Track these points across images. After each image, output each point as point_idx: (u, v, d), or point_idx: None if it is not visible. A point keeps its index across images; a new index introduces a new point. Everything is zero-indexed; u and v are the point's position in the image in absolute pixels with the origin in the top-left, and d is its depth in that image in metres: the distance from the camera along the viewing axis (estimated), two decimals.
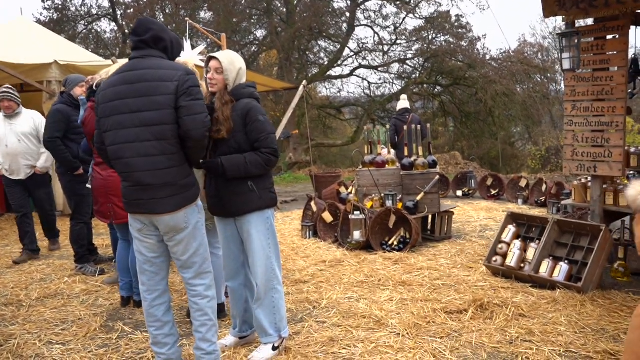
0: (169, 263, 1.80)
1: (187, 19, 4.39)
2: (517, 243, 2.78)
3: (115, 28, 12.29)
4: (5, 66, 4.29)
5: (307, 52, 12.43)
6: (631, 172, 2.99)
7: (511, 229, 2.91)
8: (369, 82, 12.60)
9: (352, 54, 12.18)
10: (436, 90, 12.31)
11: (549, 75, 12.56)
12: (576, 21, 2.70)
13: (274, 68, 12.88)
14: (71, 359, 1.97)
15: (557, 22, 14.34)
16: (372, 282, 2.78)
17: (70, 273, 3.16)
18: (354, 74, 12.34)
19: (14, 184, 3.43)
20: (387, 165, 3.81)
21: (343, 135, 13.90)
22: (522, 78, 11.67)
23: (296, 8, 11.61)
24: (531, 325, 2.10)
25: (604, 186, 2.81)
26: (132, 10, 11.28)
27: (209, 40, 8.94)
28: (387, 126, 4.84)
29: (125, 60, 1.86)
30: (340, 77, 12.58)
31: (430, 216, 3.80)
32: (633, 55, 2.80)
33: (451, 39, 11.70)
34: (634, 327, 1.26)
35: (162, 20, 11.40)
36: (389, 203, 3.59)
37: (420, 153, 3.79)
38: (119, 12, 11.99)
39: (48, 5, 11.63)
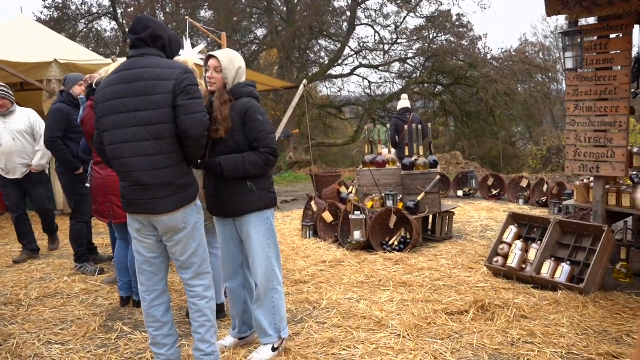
0: (167, 263, 1.79)
1: (187, 17, 4.38)
2: (519, 244, 2.77)
3: (116, 27, 12.29)
4: (6, 65, 4.28)
5: (308, 51, 12.41)
6: (634, 173, 2.97)
7: (512, 230, 2.89)
8: (369, 82, 12.62)
9: (353, 53, 12.17)
10: (437, 89, 12.29)
11: (550, 74, 12.52)
12: (579, 20, 2.68)
13: (274, 67, 12.86)
14: (70, 359, 1.96)
15: (559, 21, 14.31)
16: (372, 282, 2.77)
17: (70, 272, 3.16)
18: (355, 73, 12.32)
19: (10, 183, 3.41)
20: (387, 165, 3.80)
21: (343, 134, 13.88)
22: (523, 77, 11.63)
23: (297, 7, 11.58)
24: (533, 326, 2.08)
25: (607, 187, 2.79)
26: (132, 9, 11.27)
27: (209, 39, 8.92)
28: (388, 126, 4.82)
29: (125, 59, 1.85)
30: (341, 76, 12.56)
31: (431, 216, 3.79)
32: (637, 55, 2.77)
33: (452, 38, 11.67)
34: None
35: (163, 19, 11.39)
36: (389, 203, 3.57)
37: (421, 153, 3.77)
38: (119, 11, 11.98)
39: (48, 4, 11.64)
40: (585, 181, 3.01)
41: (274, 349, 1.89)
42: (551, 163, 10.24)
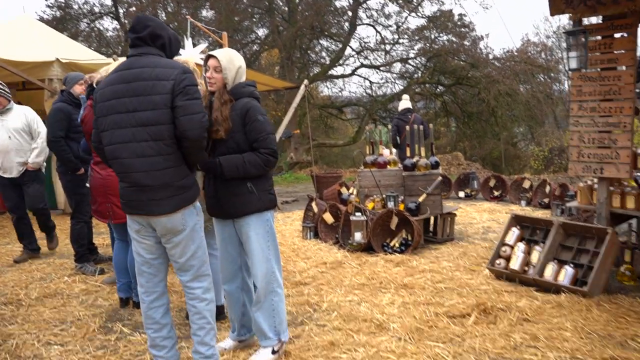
0: (167, 265, 1.78)
1: (188, 17, 4.36)
2: (521, 246, 2.74)
3: (118, 26, 12.30)
4: (7, 64, 4.28)
5: (309, 51, 12.40)
6: (639, 174, 2.94)
7: (515, 232, 2.86)
8: (370, 82, 12.60)
9: (354, 53, 12.16)
10: (438, 90, 12.26)
11: (552, 74, 12.47)
12: (582, 19, 2.65)
13: (275, 67, 12.86)
14: None
15: (561, 21, 14.24)
16: (373, 284, 2.75)
17: (70, 272, 3.15)
18: (356, 73, 12.31)
19: (8, 183, 3.38)
20: (388, 166, 3.78)
21: (344, 135, 13.86)
22: (525, 78, 11.59)
23: (298, 7, 11.57)
24: (536, 330, 2.06)
25: (611, 188, 2.76)
26: (134, 8, 11.28)
27: (210, 38, 8.92)
28: (389, 126, 4.81)
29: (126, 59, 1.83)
30: (342, 76, 12.55)
31: (432, 218, 3.77)
32: None
33: (454, 38, 11.64)
34: None
35: (164, 18, 11.40)
36: (390, 204, 3.55)
37: (423, 154, 3.75)
38: (121, 11, 11.99)
39: (51, 3, 11.67)
40: (589, 183, 2.98)
41: (273, 352, 1.87)
42: (553, 164, 10.20)
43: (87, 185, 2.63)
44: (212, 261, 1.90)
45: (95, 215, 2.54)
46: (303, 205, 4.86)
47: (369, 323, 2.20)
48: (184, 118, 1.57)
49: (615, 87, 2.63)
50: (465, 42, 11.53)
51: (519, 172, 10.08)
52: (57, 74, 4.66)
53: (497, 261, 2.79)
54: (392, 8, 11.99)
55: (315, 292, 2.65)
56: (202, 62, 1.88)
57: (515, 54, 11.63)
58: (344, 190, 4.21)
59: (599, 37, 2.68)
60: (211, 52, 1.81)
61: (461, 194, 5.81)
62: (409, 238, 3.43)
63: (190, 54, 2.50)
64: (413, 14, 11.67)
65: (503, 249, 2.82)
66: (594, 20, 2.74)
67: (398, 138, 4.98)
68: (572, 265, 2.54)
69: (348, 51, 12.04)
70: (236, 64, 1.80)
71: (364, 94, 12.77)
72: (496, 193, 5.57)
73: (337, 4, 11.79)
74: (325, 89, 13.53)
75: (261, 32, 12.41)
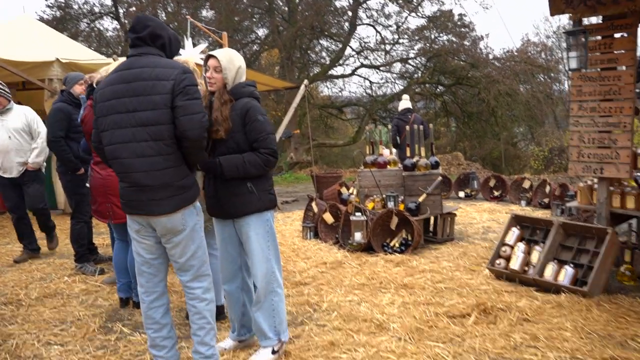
0: (167, 265, 1.77)
1: (188, 17, 4.36)
2: (521, 246, 2.74)
3: (118, 26, 12.31)
4: (7, 64, 4.28)
5: (309, 51, 12.40)
6: (639, 174, 2.94)
7: (515, 232, 2.86)
8: (370, 82, 12.60)
9: (354, 53, 12.16)
10: (438, 90, 12.26)
11: (552, 74, 12.47)
12: (582, 19, 2.65)
13: (275, 67, 12.86)
14: None
15: (561, 21, 14.24)
16: (373, 284, 2.74)
17: (70, 272, 3.15)
18: (356, 73, 12.31)
19: (8, 183, 3.38)
20: (388, 166, 3.78)
21: (344, 135, 13.87)
22: (525, 78, 11.59)
23: (298, 7, 11.57)
24: (536, 330, 2.06)
25: (611, 188, 2.76)
26: (134, 8, 11.28)
27: (210, 38, 8.92)
28: (389, 126, 4.81)
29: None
30: (342, 76, 12.55)
31: (432, 218, 3.76)
32: None
33: (454, 38, 11.64)
34: None
35: (164, 18, 11.40)
36: (390, 204, 3.55)
37: (423, 154, 3.75)
38: (121, 11, 12.00)
39: (51, 3, 11.67)
40: (589, 183, 2.98)
41: (273, 352, 1.87)
42: (553, 164, 10.20)
43: (87, 185, 2.63)
44: (212, 261, 1.90)
45: (95, 215, 2.54)
46: (303, 205, 4.85)
47: (369, 323, 2.20)
48: (184, 118, 1.57)
49: (615, 87, 2.63)
50: (465, 42, 11.53)
51: (519, 172, 10.08)
52: (57, 74, 4.66)
53: (497, 261, 2.79)
54: (392, 8, 12.01)
55: (315, 292, 2.65)
56: (202, 62, 1.88)
57: (515, 54, 11.63)
58: (344, 190, 4.21)
59: (599, 37, 2.68)
60: (211, 52, 1.81)
61: (461, 194, 5.81)
62: (409, 238, 3.43)
63: (190, 54, 2.50)
64: (413, 14, 11.67)
65: (503, 249, 2.82)
66: (594, 20, 2.74)
67: (398, 138, 4.98)
68: (572, 265, 2.53)
69: (348, 51, 12.06)
70: (236, 64, 1.80)
71: (364, 94, 12.79)
72: (496, 193, 5.57)
73: (337, 4, 11.81)
74: (325, 89, 13.55)
75: (261, 32, 12.43)
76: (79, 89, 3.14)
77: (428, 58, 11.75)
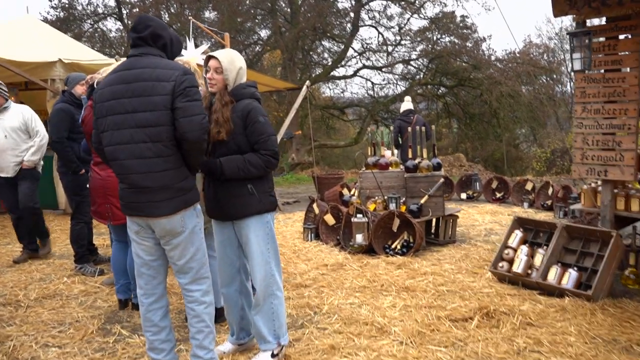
0: (166, 266, 1.76)
1: (191, 18, 4.37)
2: (524, 248, 2.71)
3: (121, 27, 12.36)
4: (10, 64, 4.29)
5: (311, 52, 12.42)
6: None
7: (518, 234, 2.84)
8: (372, 83, 12.60)
9: (356, 54, 12.17)
10: (440, 91, 12.24)
11: (554, 76, 12.44)
12: (586, 20, 2.63)
13: (277, 68, 12.89)
14: None
15: (564, 22, 14.18)
16: (374, 287, 2.72)
17: (69, 273, 3.14)
18: (358, 74, 12.32)
19: (4, 182, 3.35)
20: (390, 167, 3.76)
21: (346, 136, 13.86)
22: (527, 79, 11.55)
23: (300, 8, 11.59)
24: (539, 334, 2.03)
25: (615, 191, 2.73)
26: (137, 9, 11.33)
27: (212, 39, 8.94)
28: (391, 127, 4.79)
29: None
30: (344, 77, 12.55)
31: (434, 219, 3.74)
32: None
33: (456, 40, 11.62)
34: None
35: (167, 19, 11.45)
36: (392, 206, 3.53)
37: (425, 155, 3.73)
38: (124, 12, 12.05)
39: (55, 4, 11.73)
40: (593, 185, 2.95)
41: (273, 356, 1.85)
42: (555, 165, 10.15)
43: (87, 186, 2.62)
44: (211, 263, 1.88)
45: (95, 216, 2.53)
46: (304, 206, 4.84)
47: (370, 326, 2.18)
48: (183, 120, 1.56)
49: (619, 89, 2.60)
50: (468, 44, 11.51)
51: (521, 174, 10.05)
52: (59, 74, 4.67)
53: (500, 264, 2.76)
54: (394, 9, 12.03)
55: (315, 294, 2.63)
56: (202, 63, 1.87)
57: (518, 55, 11.61)
58: (345, 191, 4.20)
59: (602, 39, 2.66)
60: (212, 53, 1.79)
61: (463, 195, 5.77)
62: (411, 240, 3.41)
63: (192, 55, 2.49)
64: (415, 15, 11.68)
65: (506, 251, 2.79)
66: (597, 21, 2.71)
67: (400, 139, 4.96)
68: (575, 269, 2.51)
69: (350, 52, 12.07)
70: (237, 65, 1.78)
71: (366, 95, 12.79)
72: (498, 195, 5.53)
73: (340, 5, 11.84)
74: (327, 90, 13.56)
75: (263, 33, 12.46)
76: (80, 90, 3.13)
77: (430, 59, 11.74)
